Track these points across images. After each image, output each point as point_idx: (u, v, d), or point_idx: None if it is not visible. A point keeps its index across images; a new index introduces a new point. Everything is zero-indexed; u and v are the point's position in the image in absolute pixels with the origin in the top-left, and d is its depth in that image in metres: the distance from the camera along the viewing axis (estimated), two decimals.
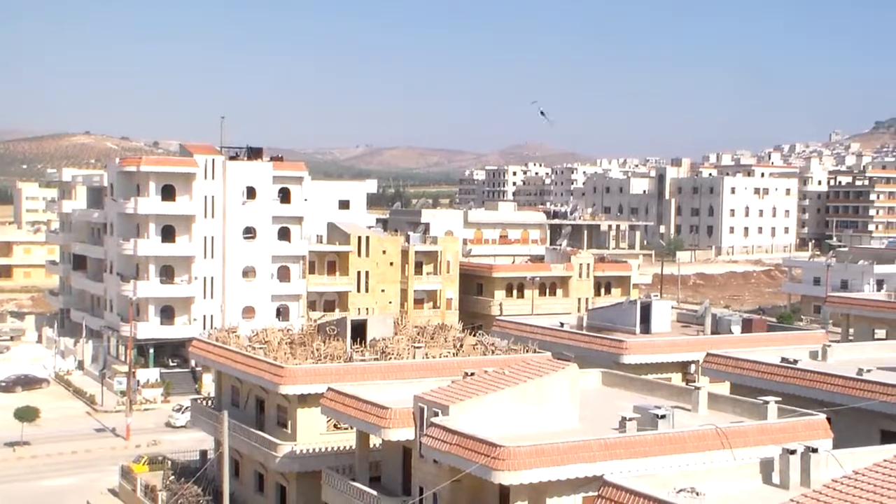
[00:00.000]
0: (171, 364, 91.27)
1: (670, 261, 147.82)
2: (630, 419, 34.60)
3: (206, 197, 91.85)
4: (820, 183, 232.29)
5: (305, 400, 46.23)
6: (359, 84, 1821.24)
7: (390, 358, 48.90)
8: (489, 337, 56.74)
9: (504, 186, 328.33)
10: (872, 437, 39.42)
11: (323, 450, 46.14)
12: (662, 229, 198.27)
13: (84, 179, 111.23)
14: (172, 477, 54.84)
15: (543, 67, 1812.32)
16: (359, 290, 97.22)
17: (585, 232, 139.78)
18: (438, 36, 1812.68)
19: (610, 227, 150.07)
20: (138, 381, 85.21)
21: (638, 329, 60.50)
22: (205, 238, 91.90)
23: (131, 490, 56.05)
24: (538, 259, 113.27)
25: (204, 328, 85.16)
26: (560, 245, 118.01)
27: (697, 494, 27.02)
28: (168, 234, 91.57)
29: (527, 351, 51.19)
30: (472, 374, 37.84)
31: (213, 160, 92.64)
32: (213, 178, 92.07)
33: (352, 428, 42.29)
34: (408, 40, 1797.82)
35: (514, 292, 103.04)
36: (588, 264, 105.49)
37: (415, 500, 36.94)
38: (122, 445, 71.35)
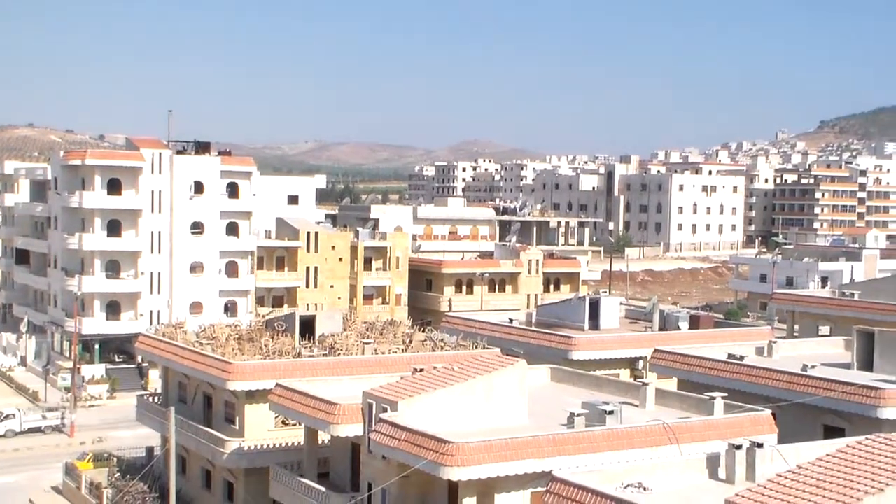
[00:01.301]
0: (117, 360, 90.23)
1: (619, 257, 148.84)
2: (578, 415, 34.74)
3: (153, 191, 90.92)
4: (766, 181, 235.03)
5: (253, 396, 45.91)
6: (308, 79, 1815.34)
7: (339, 354, 48.71)
8: (438, 333, 56.72)
9: (454, 182, 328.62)
10: (816, 432, 39.93)
11: (271, 446, 45.83)
12: (611, 226, 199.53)
13: (27, 172, 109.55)
14: (118, 474, 54.17)
15: (493, 64, 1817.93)
16: (307, 286, 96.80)
17: (535, 228, 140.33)
18: (388, 31, 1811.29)
19: (559, 223, 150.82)
20: (83, 378, 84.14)
21: (587, 325, 60.78)
22: (152, 233, 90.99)
23: (76, 488, 55.30)
24: (487, 255, 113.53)
25: (151, 324, 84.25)
26: (509, 241, 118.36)
27: (644, 489, 27.18)
28: (114, 228, 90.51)
29: (476, 347, 51.24)
30: (422, 370, 37.82)
31: (161, 154, 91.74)
32: (160, 172, 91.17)
33: (300, 424, 42.12)
34: (358, 35, 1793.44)
35: (464, 288, 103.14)
36: (537, 260, 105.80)
37: (363, 497, 36.83)
38: (66, 442, 70.41)
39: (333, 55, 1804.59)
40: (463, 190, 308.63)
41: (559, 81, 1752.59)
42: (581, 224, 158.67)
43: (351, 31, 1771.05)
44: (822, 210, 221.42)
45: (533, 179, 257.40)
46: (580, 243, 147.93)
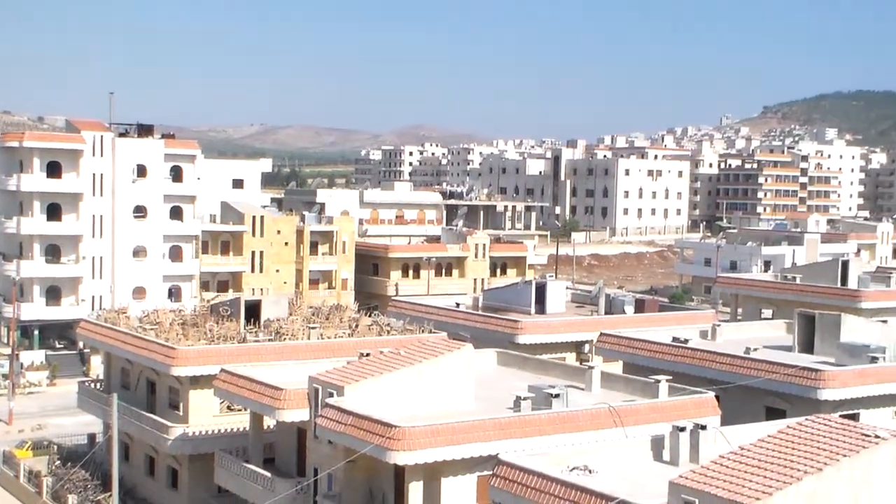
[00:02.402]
0: (58, 346, 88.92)
1: (565, 241, 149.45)
2: (525, 399, 34.84)
3: (94, 174, 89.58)
4: (711, 166, 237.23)
5: (198, 381, 45.48)
6: (253, 61, 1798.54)
7: (285, 339, 48.42)
8: (385, 317, 56.58)
9: (400, 167, 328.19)
10: (758, 414, 40.44)
11: (216, 432, 45.50)
12: (558, 210, 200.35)
13: None
14: (59, 462, 53.42)
15: (440, 48, 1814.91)
16: (253, 271, 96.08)
17: (481, 212, 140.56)
18: (335, 14, 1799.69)
19: (506, 207, 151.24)
20: (22, 364, 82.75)
21: (533, 309, 60.98)
22: (93, 217, 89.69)
23: (14, 476, 54.38)
24: (434, 239, 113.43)
25: (92, 309, 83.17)
26: (456, 225, 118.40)
27: (590, 472, 27.30)
28: (54, 212, 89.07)
29: (422, 331, 51.16)
30: (368, 354, 37.69)
31: (102, 137, 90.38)
32: (101, 155, 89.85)
33: (245, 409, 41.83)
34: (303, 16, 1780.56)
35: (411, 273, 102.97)
36: (484, 245, 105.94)
37: (309, 482, 36.67)
38: (3, 430, 69.23)
39: (279, 38, 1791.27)
40: (410, 174, 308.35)
41: (506, 66, 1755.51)
42: (528, 208, 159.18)
43: (297, 14, 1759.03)
44: (765, 195, 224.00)
45: (480, 164, 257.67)
46: (527, 227, 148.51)
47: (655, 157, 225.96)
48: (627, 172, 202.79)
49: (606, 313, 62.02)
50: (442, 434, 31.44)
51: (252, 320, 51.18)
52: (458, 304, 63.66)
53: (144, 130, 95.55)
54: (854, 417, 38.41)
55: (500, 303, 63.22)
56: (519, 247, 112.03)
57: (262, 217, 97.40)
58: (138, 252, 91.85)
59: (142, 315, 54.26)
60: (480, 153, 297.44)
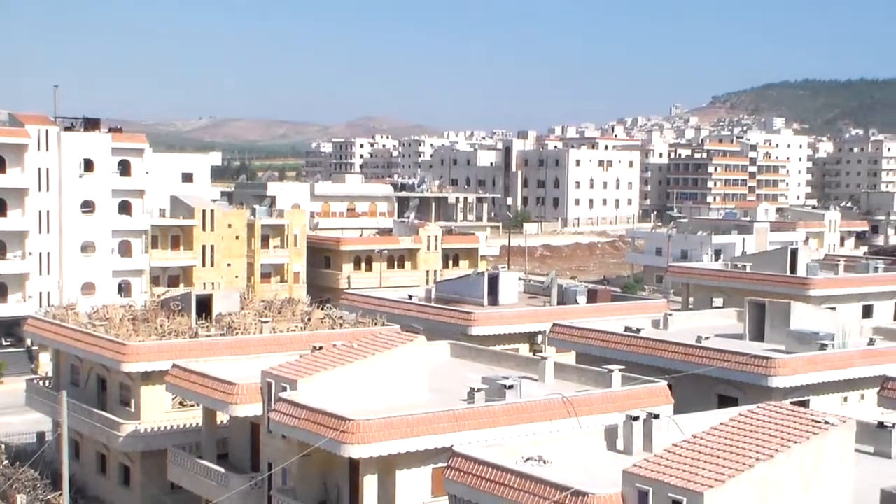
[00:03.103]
0: (5, 343, 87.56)
1: (517, 232, 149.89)
2: (478, 390, 34.88)
3: (39, 169, 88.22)
4: (661, 156, 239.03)
5: (149, 377, 45.03)
6: (202, 53, 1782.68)
7: (237, 333, 48.09)
8: (337, 310, 56.43)
9: (351, 159, 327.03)
10: (710, 402, 40.80)
11: (168, 428, 45.10)
12: (509, 201, 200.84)
13: None
14: (7, 461, 52.51)
15: (390, 39, 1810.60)
16: (204, 265, 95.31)
17: (433, 204, 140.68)
18: (285, 5, 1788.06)
19: (457, 199, 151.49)
20: None
21: (486, 301, 61.05)
22: (39, 212, 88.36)
23: None
24: (386, 232, 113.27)
25: (40, 306, 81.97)
26: (408, 217, 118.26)
27: (544, 462, 27.37)
28: None
29: (375, 324, 51.07)
30: (321, 347, 37.54)
31: (47, 131, 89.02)
32: (46, 149, 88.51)
33: (198, 405, 41.50)
34: (251, 7, 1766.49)
35: (363, 265, 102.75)
36: (436, 236, 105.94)
37: (263, 476, 36.49)
38: None
39: (227, 29, 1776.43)
40: (361, 167, 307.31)
41: (456, 57, 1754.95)
42: (479, 200, 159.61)
43: (246, 6, 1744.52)
44: (715, 184, 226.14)
45: (431, 155, 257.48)
46: (479, 219, 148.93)
47: (606, 147, 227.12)
48: (578, 163, 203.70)
49: (559, 304, 62.24)
50: (396, 427, 31.40)
51: (204, 315, 50.78)
52: (410, 297, 63.61)
53: (91, 124, 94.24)
54: (804, 404, 38.89)
55: (452, 294, 63.23)
56: (471, 238, 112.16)
57: (212, 211, 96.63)
58: (86, 247, 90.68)
59: (91, 311, 53.59)
60: (431, 145, 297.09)
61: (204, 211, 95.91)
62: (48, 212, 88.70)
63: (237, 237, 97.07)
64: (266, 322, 49.19)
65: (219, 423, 41.37)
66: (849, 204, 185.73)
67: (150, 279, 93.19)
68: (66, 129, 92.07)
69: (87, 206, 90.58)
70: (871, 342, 46.82)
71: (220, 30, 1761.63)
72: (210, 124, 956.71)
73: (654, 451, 26.45)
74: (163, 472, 43.04)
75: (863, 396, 43.42)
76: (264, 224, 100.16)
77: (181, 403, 45.47)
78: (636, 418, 29.47)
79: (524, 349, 55.20)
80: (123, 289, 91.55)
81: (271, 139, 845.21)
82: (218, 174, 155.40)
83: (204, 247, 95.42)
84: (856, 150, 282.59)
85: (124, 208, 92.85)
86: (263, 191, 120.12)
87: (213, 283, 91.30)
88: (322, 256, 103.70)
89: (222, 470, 38.74)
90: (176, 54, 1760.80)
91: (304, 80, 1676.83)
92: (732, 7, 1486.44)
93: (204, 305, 51.35)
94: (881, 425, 29.84)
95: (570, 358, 47.90)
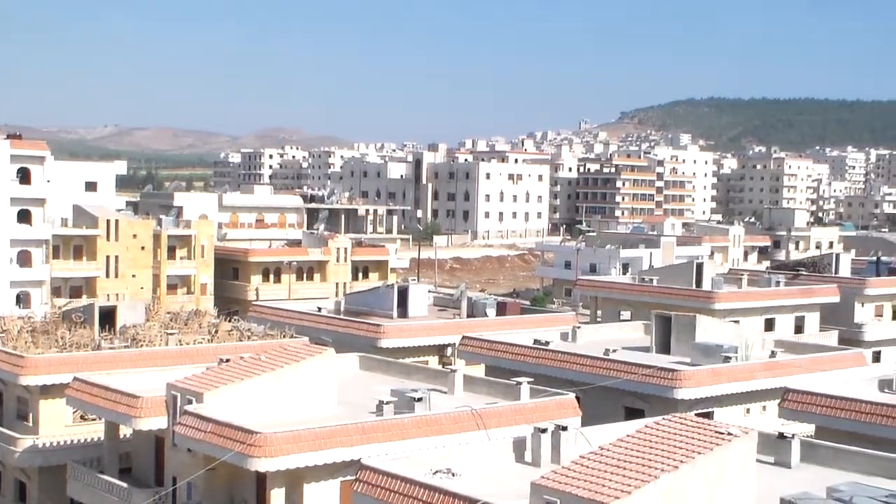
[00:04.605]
0: None
1: (427, 245, 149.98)
2: (387, 403, 34.73)
3: None
4: (570, 170, 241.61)
5: (49, 391, 43.87)
6: (107, 60, 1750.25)
7: (142, 345, 47.19)
8: (245, 322, 55.77)
9: (260, 170, 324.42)
10: (617, 414, 41.21)
11: (68, 442, 43.99)
12: (420, 214, 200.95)
13: None
14: None
15: (299, 50, 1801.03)
16: (108, 276, 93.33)
17: (343, 216, 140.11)
18: (192, 14, 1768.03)
19: (367, 211, 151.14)
20: None
21: (395, 313, 60.88)
22: None
23: None
24: (295, 243, 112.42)
25: None
26: (317, 229, 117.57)
27: (453, 475, 27.31)
28: None
29: (284, 336, 50.60)
30: (228, 360, 37.03)
31: None
32: None
33: (100, 419, 40.57)
34: (160, 14, 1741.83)
35: (271, 277, 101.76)
36: (346, 248, 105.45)
37: (168, 491, 35.81)
38: None
39: (133, 36, 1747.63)
40: (270, 177, 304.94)
41: (367, 69, 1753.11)
42: (389, 212, 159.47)
43: (154, 12, 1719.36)
44: (623, 198, 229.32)
45: (341, 167, 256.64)
46: (388, 231, 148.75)
47: (516, 160, 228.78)
48: (488, 176, 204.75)
49: (468, 316, 62.35)
50: (304, 440, 31.10)
51: (107, 327, 49.78)
52: (319, 309, 63.16)
53: None
54: (708, 416, 39.57)
55: (362, 307, 62.95)
56: (381, 250, 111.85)
57: (116, 221, 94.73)
58: None
59: None
60: (342, 157, 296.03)
61: (108, 221, 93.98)
62: None
63: (143, 248, 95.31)
64: (172, 334, 48.36)
65: (122, 436, 40.53)
66: (752, 219, 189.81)
67: (50, 290, 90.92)
68: None
69: None
70: (773, 355, 47.86)
71: (126, 36, 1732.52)
72: (115, 133, 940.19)
73: (561, 463, 26.55)
74: (62, 488, 41.93)
75: (764, 408, 44.32)
76: (171, 234, 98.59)
77: (82, 417, 44.42)
78: (544, 430, 29.58)
79: (434, 362, 55.12)
80: (22, 300, 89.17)
81: (179, 149, 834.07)
82: (123, 184, 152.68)
83: (108, 257, 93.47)
84: (759, 167, 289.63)
85: (24, 217, 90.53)
86: (170, 201, 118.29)
87: (117, 295, 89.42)
88: (230, 268, 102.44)
89: (125, 485, 37.93)
90: (80, 60, 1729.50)
91: (213, 90, 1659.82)
92: (640, 25, 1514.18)
93: (107, 317, 50.37)
94: (781, 436, 30.46)
95: (479, 370, 47.99)
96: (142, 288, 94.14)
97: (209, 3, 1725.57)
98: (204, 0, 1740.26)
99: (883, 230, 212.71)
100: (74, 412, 44.28)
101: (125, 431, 39.97)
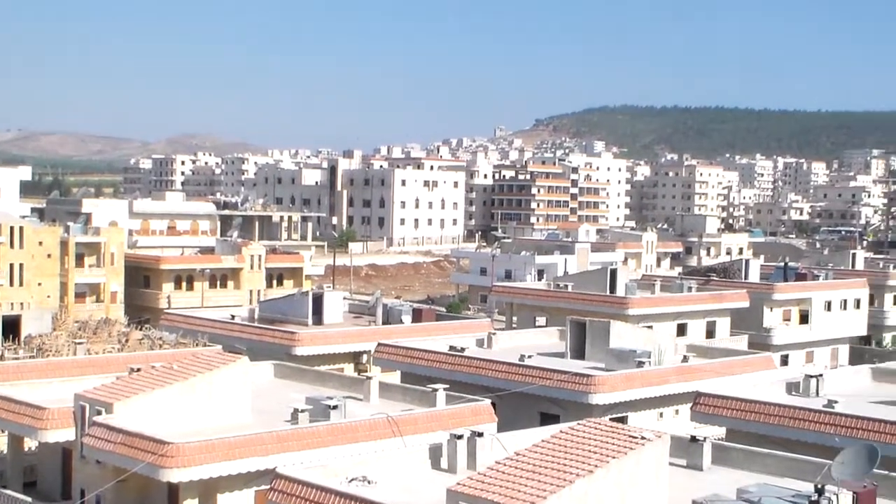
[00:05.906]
0: None
1: (343, 252, 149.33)
2: (302, 411, 34.40)
3: None
4: (486, 177, 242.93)
5: None
6: (9, 61, 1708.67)
7: (48, 355, 46.05)
8: (157, 331, 54.82)
9: (172, 176, 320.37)
10: (533, 420, 41.40)
11: None
12: (335, 220, 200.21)
13: None
14: None
15: (210, 55, 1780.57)
16: (12, 284, 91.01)
17: (257, 223, 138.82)
18: (100, 15, 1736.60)
19: (282, 218, 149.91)
20: None
21: (310, 320, 60.44)
22: None
23: None
24: (208, 250, 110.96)
25: None
26: (231, 236, 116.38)
27: (369, 482, 27.15)
28: None
29: (196, 345, 49.86)
30: (139, 369, 36.31)
31: None
32: None
33: (3, 431, 39.47)
34: (65, 15, 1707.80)
35: (184, 284, 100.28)
36: (260, 256, 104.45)
37: None
38: None
39: (36, 37, 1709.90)
40: (182, 184, 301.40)
41: (279, 74, 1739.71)
42: (304, 219, 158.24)
43: (58, 12, 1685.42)
44: (538, 205, 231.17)
45: (255, 174, 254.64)
46: (303, 238, 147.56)
47: (431, 167, 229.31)
48: (404, 183, 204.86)
49: (384, 323, 62.14)
50: (217, 449, 30.63)
51: (11, 336, 48.52)
52: (233, 317, 62.37)
53: None
54: (623, 420, 39.91)
55: (276, 314, 62.37)
56: (295, 257, 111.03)
57: (21, 227, 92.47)
58: None
59: None
60: (255, 163, 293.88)
61: (12, 227, 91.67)
62: None
63: (49, 255, 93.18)
64: (80, 343, 47.29)
65: (27, 449, 39.48)
66: (664, 226, 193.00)
67: None
68: None
69: None
70: (685, 359, 48.54)
71: (28, 37, 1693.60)
72: (19, 137, 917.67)
73: (477, 469, 26.54)
74: None
75: (677, 412, 44.91)
76: (79, 242, 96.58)
77: None
78: (460, 437, 29.57)
79: (349, 369, 54.83)
80: None
81: (87, 155, 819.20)
82: (28, 190, 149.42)
83: (12, 265, 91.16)
84: (671, 174, 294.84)
85: None
86: (78, 207, 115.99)
87: (21, 303, 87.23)
88: (141, 275, 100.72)
89: (29, 499, 36.89)
90: None
91: (122, 94, 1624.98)
92: (554, 31, 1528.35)
93: (11, 326, 49.12)
94: (693, 439, 30.90)
95: (395, 377, 47.84)
96: (48, 296, 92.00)
97: (120, 3, 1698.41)
98: (112, 3, 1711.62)
99: (790, 236, 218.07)
100: None
101: (30, 444, 38.95)
